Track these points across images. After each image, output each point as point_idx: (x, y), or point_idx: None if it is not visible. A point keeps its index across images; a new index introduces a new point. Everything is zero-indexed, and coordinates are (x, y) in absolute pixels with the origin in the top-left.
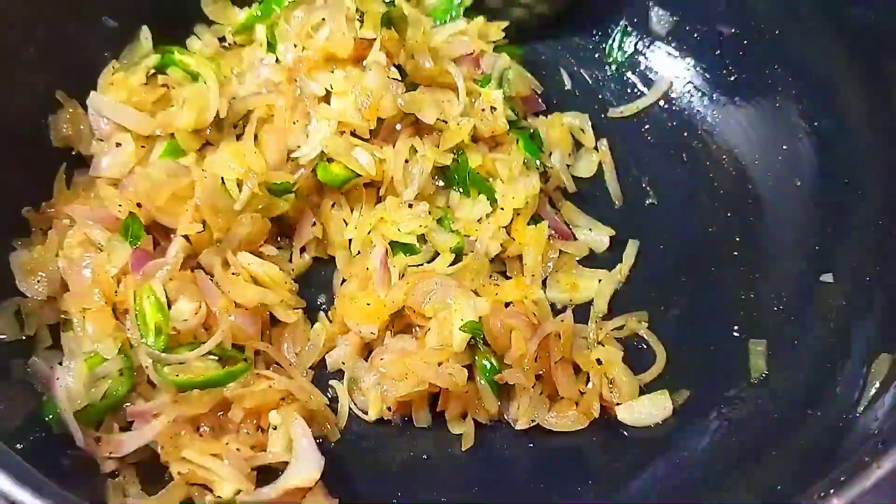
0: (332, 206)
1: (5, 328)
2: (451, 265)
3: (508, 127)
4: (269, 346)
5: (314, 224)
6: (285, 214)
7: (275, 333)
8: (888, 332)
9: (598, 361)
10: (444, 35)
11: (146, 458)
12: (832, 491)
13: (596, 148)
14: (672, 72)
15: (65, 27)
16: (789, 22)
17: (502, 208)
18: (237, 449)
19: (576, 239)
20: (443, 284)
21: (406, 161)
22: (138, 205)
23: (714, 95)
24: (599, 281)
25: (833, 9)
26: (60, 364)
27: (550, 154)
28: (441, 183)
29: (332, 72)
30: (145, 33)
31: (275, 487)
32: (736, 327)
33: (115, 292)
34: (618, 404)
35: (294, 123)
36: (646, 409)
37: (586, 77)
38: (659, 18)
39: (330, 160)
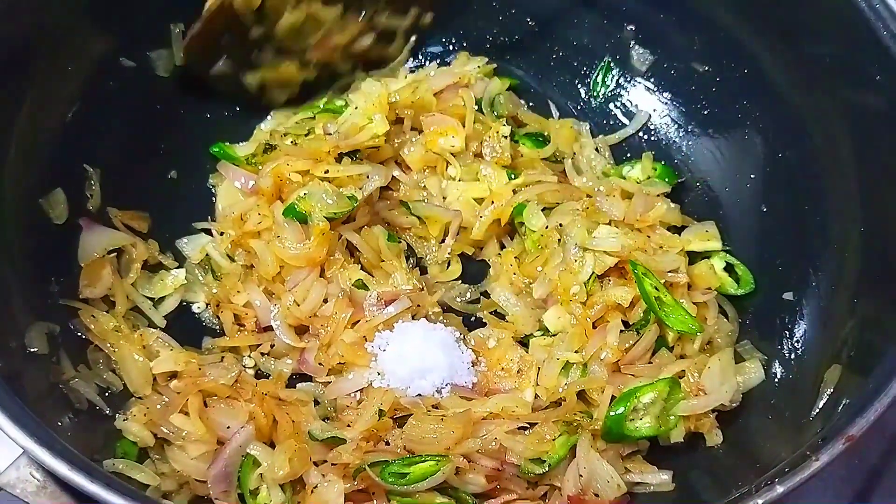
0: None
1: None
2: None
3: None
4: None
5: None
6: None
7: None
8: (840, 345)
9: None
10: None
11: None
12: (777, 480)
13: None
14: (651, 105)
15: None
16: (757, 61)
17: None
18: None
19: None
20: None
21: None
22: None
23: (689, 127)
24: None
25: (794, 49)
26: None
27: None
28: None
29: None
30: None
31: None
32: None
33: None
34: None
35: None
36: None
37: (572, 109)
38: (639, 56)
39: None
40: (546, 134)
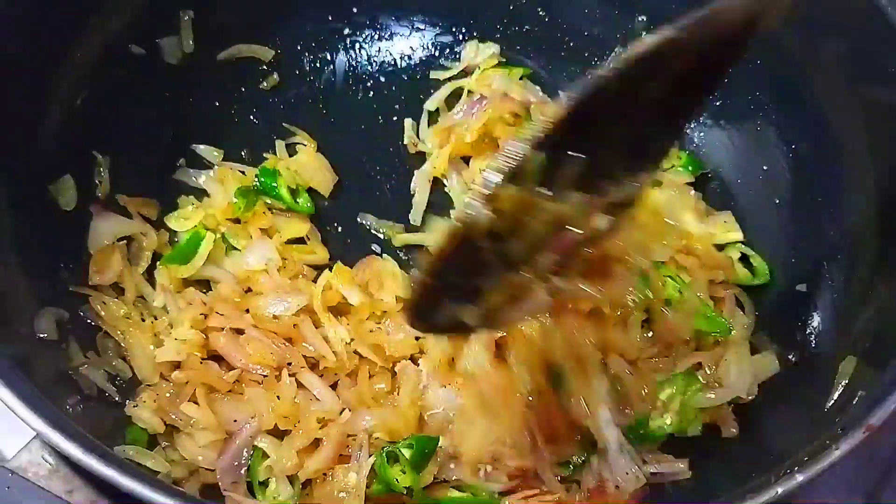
0: None
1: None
2: None
3: None
4: None
5: None
6: None
7: None
8: (855, 337)
9: None
10: None
11: None
12: (796, 469)
13: None
14: None
15: None
16: (769, 52)
17: None
18: None
19: None
20: None
21: None
22: None
23: (701, 118)
24: None
25: (809, 41)
26: None
27: None
28: None
29: None
30: None
31: None
32: None
33: None
34: None
35: None
36: None
37: None
38: None
39: None
40: None
